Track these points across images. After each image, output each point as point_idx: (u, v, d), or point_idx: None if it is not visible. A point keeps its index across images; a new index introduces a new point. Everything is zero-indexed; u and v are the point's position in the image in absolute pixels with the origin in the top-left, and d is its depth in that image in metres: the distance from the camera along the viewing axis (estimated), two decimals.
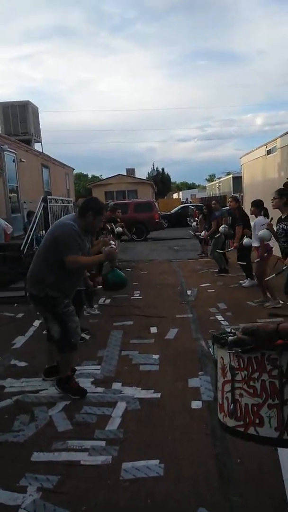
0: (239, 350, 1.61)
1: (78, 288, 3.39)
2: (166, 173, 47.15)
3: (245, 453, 2.30)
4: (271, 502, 1.98)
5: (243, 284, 6.77)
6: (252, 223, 6.17)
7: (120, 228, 7.63)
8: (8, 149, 9.58)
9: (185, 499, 2.03)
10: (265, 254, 5.56)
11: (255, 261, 5.96)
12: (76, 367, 3.75)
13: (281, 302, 5.27)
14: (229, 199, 7.42)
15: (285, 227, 4.31)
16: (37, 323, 5.28)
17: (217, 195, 30.29)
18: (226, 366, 1.67)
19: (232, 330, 1.81)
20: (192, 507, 1.97)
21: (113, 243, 4.18)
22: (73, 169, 19.08)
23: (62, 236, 2.96)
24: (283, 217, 4.42)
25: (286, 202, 4.38)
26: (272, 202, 4.55)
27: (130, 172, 29.65)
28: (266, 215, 5.73)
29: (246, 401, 1.60)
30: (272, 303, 5.40)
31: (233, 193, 22.76)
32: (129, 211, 16.32)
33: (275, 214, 4.77)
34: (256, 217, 5.88)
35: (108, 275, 4.03)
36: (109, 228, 6.80)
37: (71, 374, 3.24)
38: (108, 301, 6.37)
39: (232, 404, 1.63)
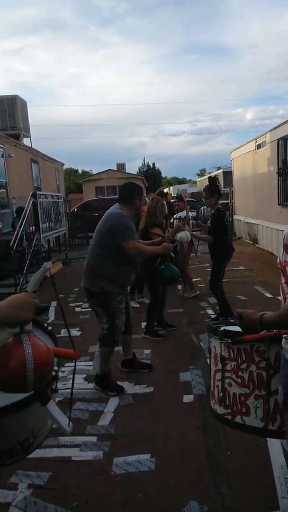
0: (229, 341, 1.64)
1: (130, 278, 3.38)
2: (157, 168, 47.02)
3: (235, 445, 2.33)
4: (261, 493, 2.01)
5: None
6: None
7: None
8: None
9: (176, 492, 2.05)
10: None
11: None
12: (68, 364, 3.74)
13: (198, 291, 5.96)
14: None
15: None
16: None
17: None
18: (217, 356, 1.72)
19: (230, 320, 1.84)
20: (184, 499, 1.98)
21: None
22: (63, 164, 18.90)
23: (117, 224, 3.03)
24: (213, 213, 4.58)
25: (217, 199, 4.54)
26: (205, 201, 4.67)
27: (121, 167, 29.50)
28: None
29: (235, 391, 1.65)
30: (191, 293, 5.92)
31: (224, 188, 22.70)
32: None
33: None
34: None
35: (165, 270, 4.06)
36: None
37: (109, 371, 3.25)
38: None
39: (221, 392, 1.68)
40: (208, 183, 4.75)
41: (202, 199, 5.06)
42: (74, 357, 1.49)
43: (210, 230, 4.46)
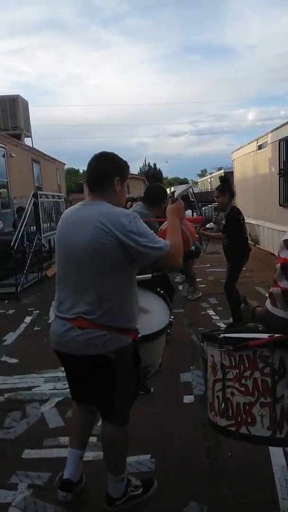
0: (231, 348, 1.57)
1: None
2: (158, 168, 47.00)
3: (235, 446, 2.31)
4: (261, 494, 2.00)
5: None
6: None
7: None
8: None
9: (176, 493, 2.04)
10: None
11: None
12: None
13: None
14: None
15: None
16: (28, 319, 5.25)
17: (209, 190, 30.32)
18: (217, 364, 1.64)
19: (222, 327, 1.82)
20: (184, 500, 1.98)
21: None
22: (64, 164, 18.92)
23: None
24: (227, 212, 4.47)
25: (230, 198, 4.37)
26: (216, 200, 4.52)
27: None
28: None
29: (238, 400, 1.57)
30: (194, 294, 5.88)
31: None
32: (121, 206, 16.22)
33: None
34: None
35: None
36: None
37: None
38: None
39: (223, 403, 1.61)
40: (220, 182, 4.49)
41: (215, 199, 4.78)
42: (201, 220, 3.48)
43: (224, 229, 4.28)
